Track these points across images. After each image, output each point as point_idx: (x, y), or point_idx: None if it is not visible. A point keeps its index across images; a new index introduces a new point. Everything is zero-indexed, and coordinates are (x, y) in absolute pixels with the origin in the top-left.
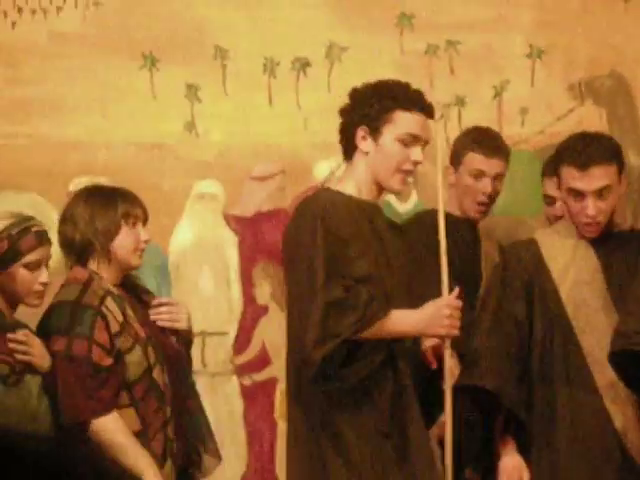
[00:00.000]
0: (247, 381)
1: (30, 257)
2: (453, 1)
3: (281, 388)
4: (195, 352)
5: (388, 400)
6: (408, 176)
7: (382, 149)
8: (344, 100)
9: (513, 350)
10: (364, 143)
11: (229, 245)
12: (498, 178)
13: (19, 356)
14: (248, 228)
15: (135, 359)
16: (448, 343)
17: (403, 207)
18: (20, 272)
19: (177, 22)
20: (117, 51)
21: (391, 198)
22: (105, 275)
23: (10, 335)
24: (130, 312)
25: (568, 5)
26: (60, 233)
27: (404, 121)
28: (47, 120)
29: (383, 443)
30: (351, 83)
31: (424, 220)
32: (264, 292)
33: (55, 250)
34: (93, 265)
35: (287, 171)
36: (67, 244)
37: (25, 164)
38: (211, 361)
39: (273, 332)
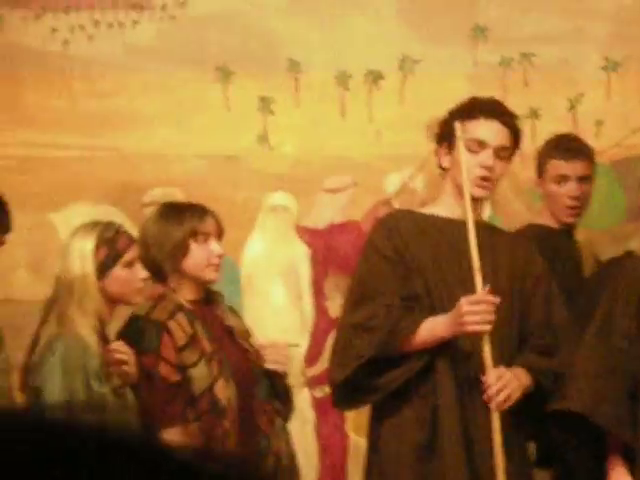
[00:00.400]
0: (319, 393)
1: (127, 256)
2: (528, 13)
3: None
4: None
5: (429, 413)
6: (484, 182)
7: (455, 160)
8: (417, 113)
9: (619, 366)
10: (444, 160)
11: (301, 257)
12: (584, 180)
13: (117, 367)
14: (320, 240)
15: (199, 374)
16: (485, 340)
17: None
18: (122, 273)
19: (250, 35)
20: (191, 64)
21: None
22: (181, 290)
23: (114, 345)
24: (200, 327)
25: None
26: (139, 252)
27: (469, 128)
28: (122, 133)
29: (423, 460)
30: (424, 96)
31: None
32: (336, 304)
33: None
34: (168, 280)
35: (359, 183)
36: (143, 263)
37: (100, 176)
38: None
39: None
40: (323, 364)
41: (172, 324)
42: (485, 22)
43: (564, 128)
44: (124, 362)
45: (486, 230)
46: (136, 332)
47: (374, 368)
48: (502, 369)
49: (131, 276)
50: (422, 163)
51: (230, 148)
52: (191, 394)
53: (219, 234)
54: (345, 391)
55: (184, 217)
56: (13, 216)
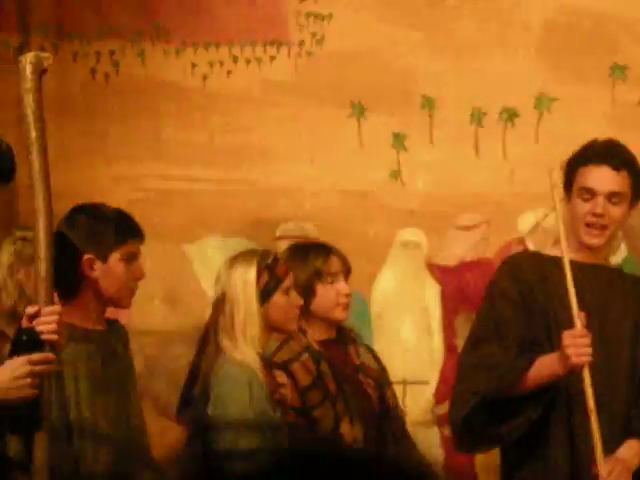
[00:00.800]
0: (448, 431)
1: (286, 283)
2: None
3: None
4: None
5: (564, 456)
6: (594, 229)
7: (570, 206)
8: (552, 151)
9: None
10: (567, 206)
11: (431, 294)
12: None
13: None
14: (451, 277)
15: (323, 414)
16: (585, 372)
17: (612, 260)
18: (281, 299)
19: (385, 71)
20: (326, 100)
21: None
22: (311, 330)
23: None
24: (326, 367)
25: None
26: None
27: (581, 176)
28: (257, 167)
29: None
30: (560, 134)
31: None
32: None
33: None
34: (300, 321)
35: (492, 221)
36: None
37: (235, 209)
38: (412, 410)
39: None
40: None
41: (295, 366)
42: (625, 61)
43: None
44: (283, 386)
45: (612, 274)
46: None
47: (494, 415)
48: (613, 460)
49: (289, 303)
50: (554, 203)
51: (363, 183)
52: (317, 435)
53: (346, 272)
54: (467, 437)
55: (308, 258)
56: (149, 246)
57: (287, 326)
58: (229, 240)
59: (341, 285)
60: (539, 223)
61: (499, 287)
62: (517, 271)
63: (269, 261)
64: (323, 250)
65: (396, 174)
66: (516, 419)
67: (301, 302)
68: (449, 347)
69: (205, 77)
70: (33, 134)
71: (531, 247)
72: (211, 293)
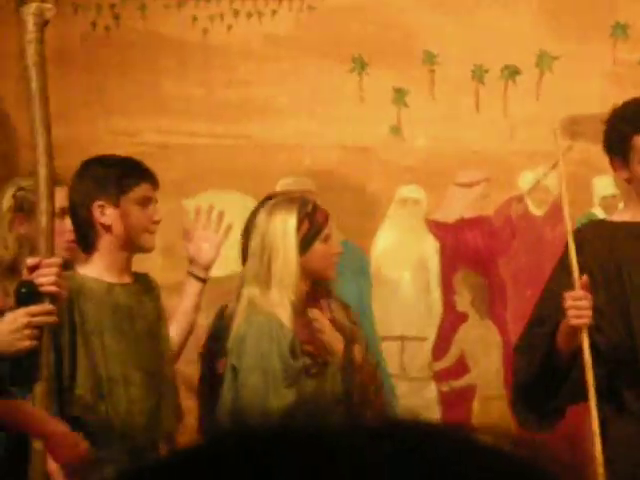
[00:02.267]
0: (445, 388)
1: (326, 230)
2: None
3: (479, 395)
4: (394, 356)
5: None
6: None
7: (633, 175)
8: (552, 109)
9: None
10: (622, 173)
11: (430, 250)
12: None
13: (312, 342)
14: (450, 234)
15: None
16: (584, 334)
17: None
18: (320, 247)
19: (387, 27)
20: (328, 54)
21: (597, 210)
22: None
23: (313, 314)
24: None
25: None
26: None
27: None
28: (256, 121)
29: None
30: (560, 93)
31: None
32: (464, 299)
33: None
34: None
35: (491, 179)
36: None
37: (233, 164)
38: (410, 366)
39: (472, 340)
40: (450, 358)
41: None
42: (626, 19)
43: None
44: (322, 332)
45: None
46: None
47: (549, 389)
48: None
49: (328, 251)
50: (556, 161)
51: (363, 139)
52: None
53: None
54: (530, 414)
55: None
56: None
57: (326, 274)
58: (228, 195)
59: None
60: (539, 181)
61: (563, 261)
62: (582, 243)
63: (309, 209)
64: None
65: (396, 130)
66: (565, 385)
67: (340, 250)
68: (447, 304)
69: (205, 31)
70: (34, 85)
71: (531, 205)
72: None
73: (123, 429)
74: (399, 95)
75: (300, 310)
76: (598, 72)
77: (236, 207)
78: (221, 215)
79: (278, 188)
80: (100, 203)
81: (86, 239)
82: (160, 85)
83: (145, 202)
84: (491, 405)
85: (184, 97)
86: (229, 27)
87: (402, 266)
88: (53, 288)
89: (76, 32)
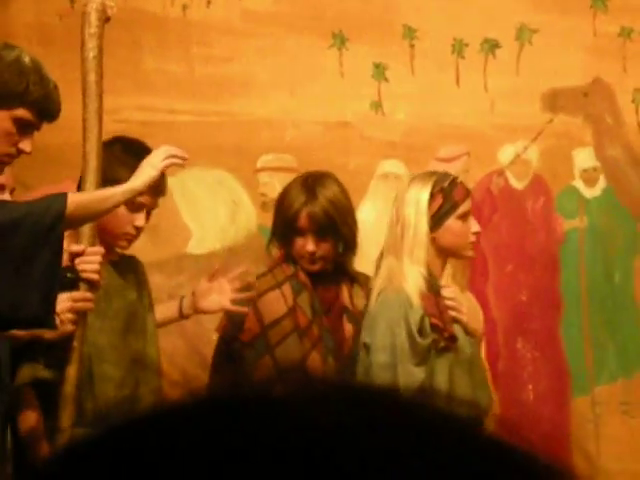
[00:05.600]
0: None
1: (462, 208)
2: None
3: None
4: None
5: None
6: None
7: None
8: (532, 83)
9: None
10: None
11: None
12: None
13: (451, 312)
14: None
15: (289, 347)
16: None
17: (590, 192)
18: (455, 225)
19: (367, 1)
20: (307, 30)
21: (577, 183)
22: (302, 261)
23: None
24: (305, 300)
25: None
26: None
27: None
28: (237, 98)
29: None
30: (540, 66)
31: None
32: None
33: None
34: (291, 248)
35: (472, 153)
36: (272, 227)
37: (215, 141)
38: None
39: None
40: None
41: (269, 297)
42: None
43: None
44: (453, 308)
45: None
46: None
47: None
48: None
49: (465, 229)
50: (536, 135)
51: (343, 115)
52: (277, 367)
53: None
54: None
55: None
56: None
57: (462, 252)
58: (210, 172)
59: None
60: (519, 154)
61: None
62: None
63: (445, 184)
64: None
65: (377, 105)
66: None
67: (478, 229)
68: None
69: (185, 7)
70: (92, 77)
71: (511, 179)
72: (191, 225)
73: (95, 404)
74: (379, 70)
75: (432, 285)
76: (578, 45)
77: (219, 185)
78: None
79: (259, 165)
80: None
81: None
82: (140, 62)
83: (136, 207)
84: None
85: (165, 74)
86: (208, 3)
87: (383, 241)
88: (95, 276)
89: (54, 9)
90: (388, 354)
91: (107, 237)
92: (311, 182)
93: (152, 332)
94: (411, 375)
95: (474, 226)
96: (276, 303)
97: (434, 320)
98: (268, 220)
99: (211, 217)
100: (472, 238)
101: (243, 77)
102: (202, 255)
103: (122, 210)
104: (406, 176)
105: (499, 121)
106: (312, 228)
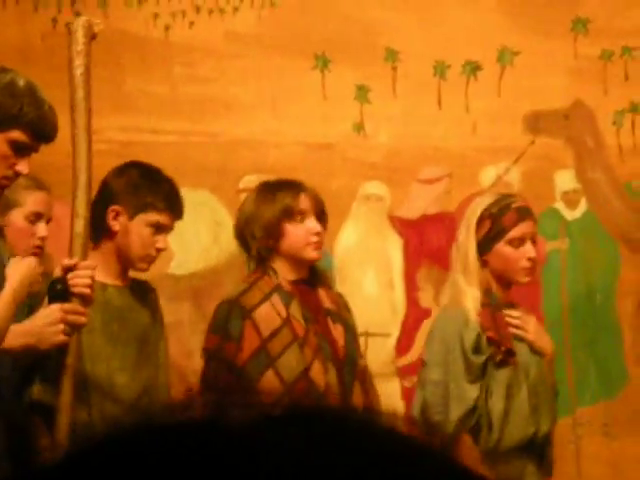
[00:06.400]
0: (409, 383)
1: (513, 233)
2: (630, 6)
3: None
4: None
5: None
6: None
7: None
8: (514, 105)
9: None
10: None
11: (394, 247)
12: None
13: (514, 330)
14: (413, 231)
15: (290, 358)
16: None
17: (571, 214)
18: (505, 249)
19: (349, 24)
20: (290, 52)
21: (559, 205)
22: (282, 270)
23: (507, 312)
24: (296, 309)
25: None
26: (235, 230)
27: None
28: (220, 119)
29: None
30: (522, 88)
31: None
32: (427, 295)
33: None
34: (270, 260)
35: (454, 175)
36: (241, 241)
37: (198, 161)
38: (373, 362)
39: None
40: (414, 354)
41: (263, 310)
42: (586, 14)
43: None
44: (518, 327)
45: None
46: (221, 316)
47: None
48: None
49: (516, 254)
50: (518, 156)
51: (326, 136)
52: (282, 381)
53: (318, 211)
54: None
55: (277, 196)
56: None
57: (514, 277)
58: (192, 192)
59: (311, 223)
60: (501, 176)
61: None
62: None
63: (495, 209)
64: (293, 187)
65: (359, 127)
66: None
67: (533, 254)
68: (410, 300)
69: (167, 28)
70: (80, 94)
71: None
72: (174, 245)
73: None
74: (362, 92)
75: (489, 302)
76: (559, 67)
77: (202, 206)
78: None
79: (241, 185)
80: (116, 207)
81: (95, 232)
82: (123, 82)
83: (159, 228)
84: None
85: (146, 94)
86: (191, 24)
87: (365, 263)
88: (87, 290)
89: (37, 29)
90: (441, 371)
91: (129, 258)
92: (270, 185)
93: (164, 360)
94: (464, 392)
95: (530, 252)
96: (270, 315)
97: (489, 333)
98: None
99: (193, 238)
100: (525, 264)
101: (226, 98)
102: (184, 276)
103: (147, 232)
104: (388, 197)
105: (481, 143)
106: (314, 208)
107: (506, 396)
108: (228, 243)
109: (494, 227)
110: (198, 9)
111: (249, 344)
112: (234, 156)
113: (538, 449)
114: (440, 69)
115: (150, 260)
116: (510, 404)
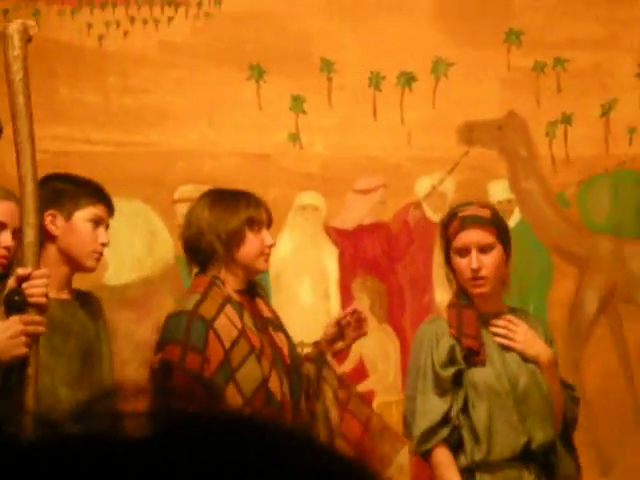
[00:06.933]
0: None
1: (456, 243)
2: (563, 18)
3: (378, 401)
4: None
5: None
6: None
7: None
8: (448, 116)
9: None
10: None
11: (329, 257)
12: None
13: (500, 340)
14: (349, 241)
15: (249, 370)
16: None
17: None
18: (455, 259)
19: (285, 34)
20: (225, 62)
21: None
22: (229, 280)
23: (493, 321)
24: (249, 320)
25: None
26: (184, 239)
27: None
28: (155, 129)
29: None
30: (456, 99)
31: None
32: (363, 305)
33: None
34: (216, 270)
35: (389, 185)
36: (191, 250)
37: (132, 172)
38: None
39: (371, 345)
40: (349, 364)
41: (221, 319)
42: (519, 26)
43: (596, 134)
44: (506, 336)
45: None
46: (180, 327)
47: None
48: None
49: (462, 264)
50: (452, 167)
51: (262, 146)
52: (242, 395)
53: (269, 224)
54: None
55: (240, 205)
56: None
57: (468, 289)
58: (126, 203)
59: (267, 235)
60: (435, 187)
61: None
62: None
63: (445, 218)
64: (253, 198)
65: (295, 137)
66: None
67: (475, 266)
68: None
69: (101, 37)
70: (21, 100)
71: (428, 211)
72: (108, 256)
73: None
74: (297, 103)
75: (458, 304)
76: (493, 78)
77: (136, 217)
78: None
79: (177, 196)
80: (51, 212)
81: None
82: (56, 92)
83: (97, 222)
84: (390, 410)
85: (81, 104)
86: (125, 34)
87: (301, 273)
88: (43, 299)
89: None
90: (414, 385)
91: (76, 258)
92: (226, 194)
93: (108, 373)
94: (430, 405)
95: (472, 262)
96: (227, 325)
97: (451, 331)
98: None
99: (128, 248)
100: (468, 274)
101: (160, 108)
102: (118, 286)
103: (88, 227)
104: (324, 208)
105: (416, 153)
106: (268, 220)
107: (491, 407)
108: (162, 253)
109: (442, 237)
110: (132, 19)
111: (215, 355)
112: (169, 166)
113: (538, 459)
114: (375, 80)
115: (97, 257)
116: (496, 414)
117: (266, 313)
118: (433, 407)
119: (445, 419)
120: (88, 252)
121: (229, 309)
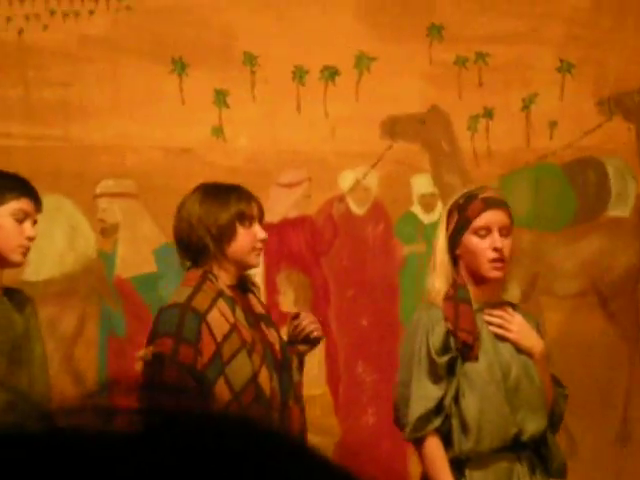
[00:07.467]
0: None
1: (477, 222)
2: (484, 13)
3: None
4: None
5: None
6: None
7: None
8: (371, 110)
9: None
10: None
11: None
12: None
13: (495, 329)
14: (273, 234)
15: (240, 365)
16: None
17: (428, 217)
18: (471, 240)
19: (207, 28)
20: (147, 56)
21: (416, 209)
22: (221, 274)
23: (488, 311)
24: (240, 314)
25: (600, 20)
26: (176, 233)
27: None
28: (76, 123)
29: None
30: (379, 93)
31: None
32: (288, 299)
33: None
34: (208, 265)
35: (313, 179)
36: (182, 244)
37: (52, 166)
38: None
39: None
40: None
41: (213, 313)
42: (441, 21)
43: (518, 128)
44: (502, 325)
45: None
46: (173, 320)
47: None
48: None
49: (481, 245)
50: (376, 161)
51: (185, 140)
52: (231, 389)
53: (261, 218)
54: None
55: (231, 199)
56: None
57: (482, 272)
58: (47, 197)
59: (258, 229)
60: (359, 181)
61: None
62: None
63: (461, 201)
64: (245, 192)
65: (218, 131)
66: None
67: (499, 245)
68: (271, 303)
69: (21, 31)
70: None
71: (352, 205)
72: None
73: None
74: (220, 96)
75: (456, 297)
76: (415, 72)
77: (56, 211)
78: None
79: (98, 190)
80: None
81: None
82: None
83: (22, 216)
84: (314, 403)
85: (0, 98)
86: (45, 27)
87: None
88: None
89: None
90: (407, 372)
91: (1, 253)
92: (218, 189)
93: (41, 363)
94: (425, 391)
95: (496, 241)
96: (219, 320)
97: (448, 325)
98: (108, 246)
99: (48, 243)
100: (491, 255)
101: (81, 102)
102: (39, 282)
103: (11, 222)
104: None
105: (339, 147)
106: (260, 215)
107: (481, 396)
108: (84, 248)
109: (460, 218)
110: (52, 12)
111: (207, 349)
112: (90, 161)
113: (529, 450)
114: (299, 74)
115: (23, 251)
116: (486, 404)
117: (258, 309)
118: (428, 393)
119: (439, 407)
120: (13, 247)
121: (221, 303)
